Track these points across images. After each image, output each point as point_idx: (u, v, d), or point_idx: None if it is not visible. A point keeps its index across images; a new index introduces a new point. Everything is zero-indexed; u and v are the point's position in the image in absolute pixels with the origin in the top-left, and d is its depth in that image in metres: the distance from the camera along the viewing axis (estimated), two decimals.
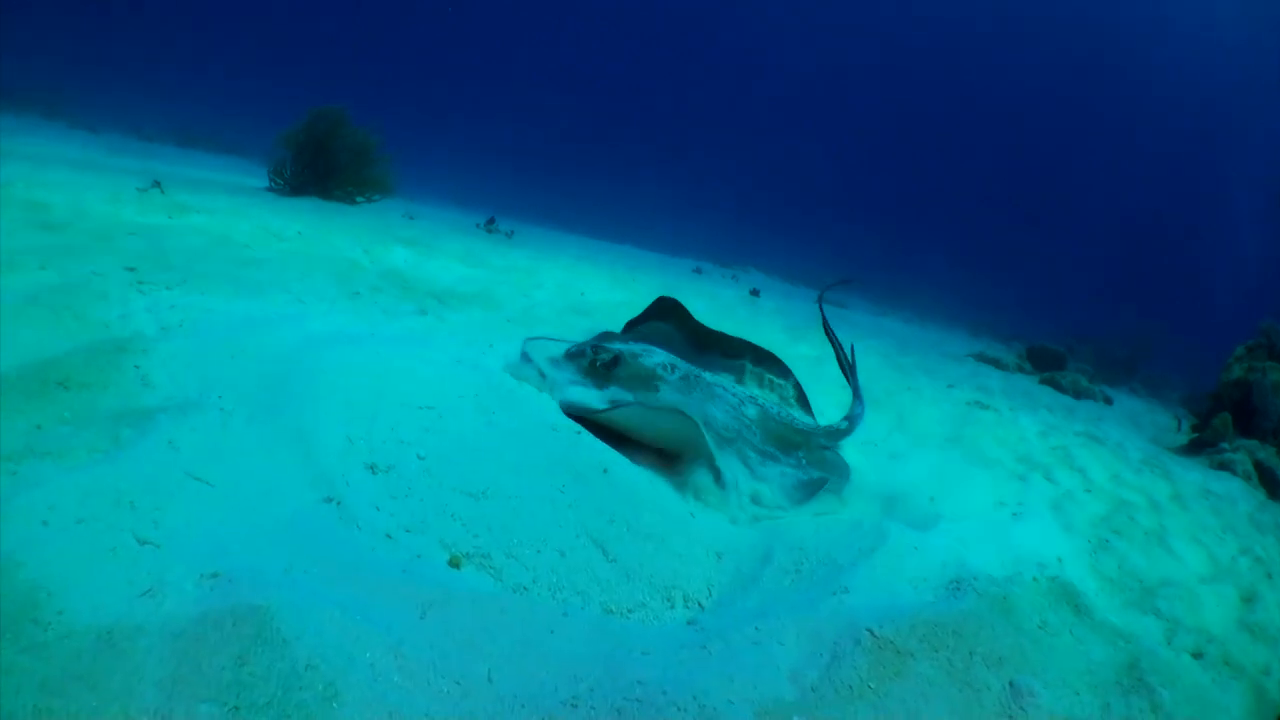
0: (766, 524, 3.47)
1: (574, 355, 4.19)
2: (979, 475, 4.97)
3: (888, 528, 3.30)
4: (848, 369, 4.95)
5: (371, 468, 3.04)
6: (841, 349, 5.01)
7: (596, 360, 4.06)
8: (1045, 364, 12.66)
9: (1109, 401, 10.89)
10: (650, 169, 40.56)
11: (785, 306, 14.22)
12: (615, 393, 3.92)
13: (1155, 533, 4.57)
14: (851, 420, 4.58)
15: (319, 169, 11.43)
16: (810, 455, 4.12)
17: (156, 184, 7.63)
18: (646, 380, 4.01)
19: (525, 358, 4.24)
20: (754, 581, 2.97)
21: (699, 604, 2.84)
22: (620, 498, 3.26)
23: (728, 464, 3.69)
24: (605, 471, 3.37)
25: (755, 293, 14.77)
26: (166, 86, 25.38)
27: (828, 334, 5.09)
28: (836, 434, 4.44)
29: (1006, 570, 3.24)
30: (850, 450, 4.65)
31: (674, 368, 4.17)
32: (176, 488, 2.63)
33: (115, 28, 33.45)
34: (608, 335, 5.03)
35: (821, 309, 5.33)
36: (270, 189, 11.13)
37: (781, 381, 4.75)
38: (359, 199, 11.85)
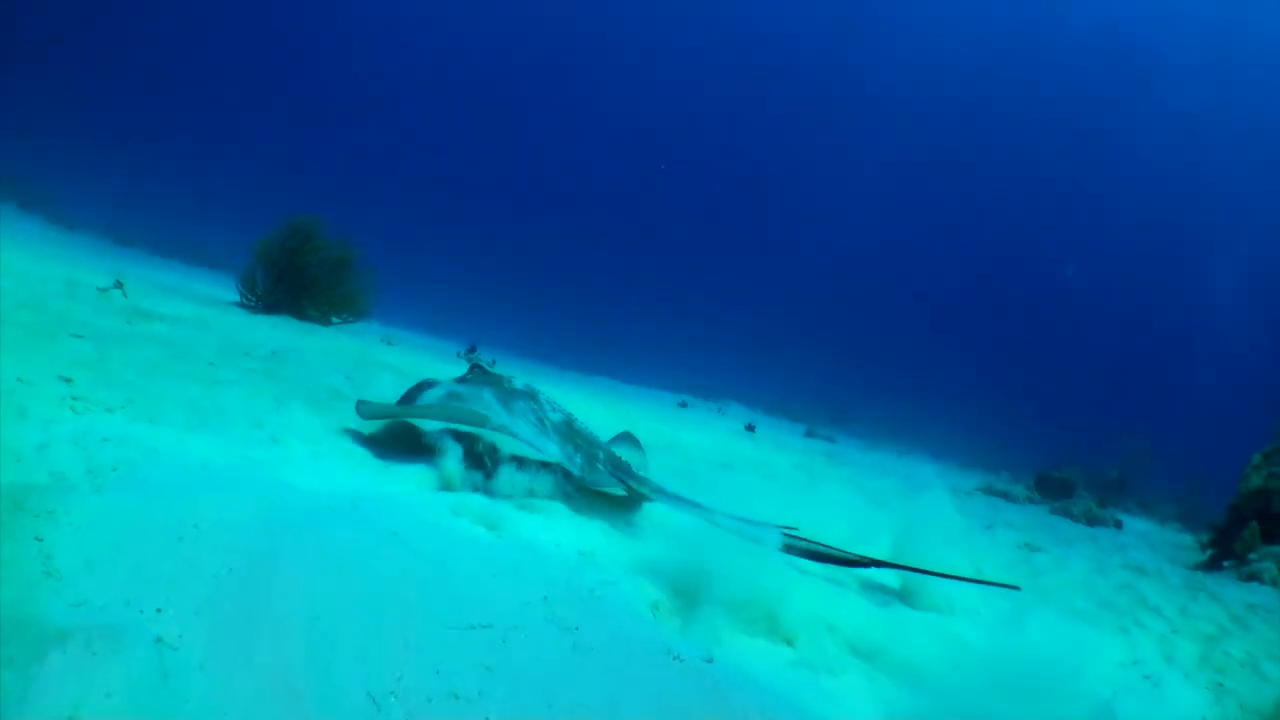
0: None
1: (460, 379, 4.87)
2: (1087, 632, 4.80)
3: None
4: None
5: None
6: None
7: (469, 372, 4.92)
8: (1054, 493, 12.81)
9: (1119, 525, 10.90)
10: (628, 303, 40.22)
11: (784, 441, 14.10)
12: (462, 388, 4.60)
13: (1246, 662, 4.67)
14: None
15: (291, 284, 10.27)
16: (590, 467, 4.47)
17: (119, 284, 6.50)
18: (495, 382, 4.76)
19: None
20: None
21: None
22: None
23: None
24: None
25: (751, 428, 14.30)
26: (153, 194, 24.31)
27: None
28: (637, 479, 4.60)
29: None
30: (964, 619, 4.41)
31: (529, 388, 4.88)
32: None
33: (105, 128, 32.53)
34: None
35: None
36: (241, 304, 9.97)
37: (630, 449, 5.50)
38: (334, 319, 10.72)
